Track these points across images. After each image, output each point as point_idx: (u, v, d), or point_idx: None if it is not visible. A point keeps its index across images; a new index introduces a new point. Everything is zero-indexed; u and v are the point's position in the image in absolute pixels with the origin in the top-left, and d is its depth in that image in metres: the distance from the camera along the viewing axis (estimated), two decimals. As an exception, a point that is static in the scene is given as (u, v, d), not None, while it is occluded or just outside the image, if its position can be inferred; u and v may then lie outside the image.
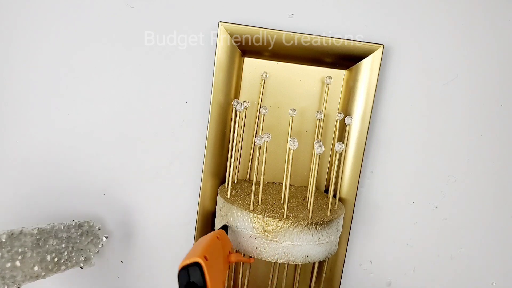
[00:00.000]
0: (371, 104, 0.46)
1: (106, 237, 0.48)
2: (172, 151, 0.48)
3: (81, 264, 0.45)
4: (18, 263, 0.38)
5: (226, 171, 0.47)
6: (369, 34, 0.46)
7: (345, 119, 0.46)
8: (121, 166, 0.48)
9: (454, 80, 0.48)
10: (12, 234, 0.37)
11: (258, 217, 0.40)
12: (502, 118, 0.50)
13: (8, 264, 0.37)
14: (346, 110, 0.47)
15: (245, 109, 0.46)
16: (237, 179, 0.48)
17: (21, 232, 0.38)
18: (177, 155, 0.49)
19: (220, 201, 0.44)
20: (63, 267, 0.43)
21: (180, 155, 0.49)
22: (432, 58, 0.48)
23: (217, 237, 0.35)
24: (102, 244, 0.47)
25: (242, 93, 0.47)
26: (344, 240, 0.50)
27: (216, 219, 0.45)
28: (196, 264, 0.29)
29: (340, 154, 0.44)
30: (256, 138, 0.40)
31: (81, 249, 0.45)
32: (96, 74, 0.46)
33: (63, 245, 0.43)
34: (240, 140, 0.47)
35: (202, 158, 0.47)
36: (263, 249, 0.40)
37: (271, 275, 0.49)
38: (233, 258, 0.37)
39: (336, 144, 0.43)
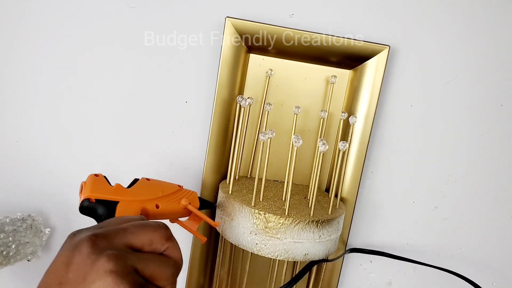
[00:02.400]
0: (375, 104, 0.47)
1: (49, 231, 0.48)
2: (172, 151, 0.48)
3: (29, 257, 0.46)
4: None
5: (228, 167, 0.47)
6: (369, 34, 0.47)
7: (349, 119, 0.46)
8: (121, 166, 0.48)
9: (454, 80, 0.49)
10: None
11: (259, 213, 0.40)
12: (502, 118, 0.50)
13: None
14: (350, 109, 0.48)
15: (249, 106, 0.46)
16: (238, 176, 0.48)
17: None
18: (177, 155, 0.48)
19: (221, 196, 0.44)
20: (12, 260, 0.43)
21: (180, 155, 0.48)
22: (433, 58, 0.48)
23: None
24: (44, 238, 0.48)
25: (246, 90, 0.47)
26: (343, 239, 0.50)
27: (217, 214, 0.45)
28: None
29: (343, 153, 0.44)
30: (260, 134, 0.40)
31: (28, 242, 0.45)
32: (96, 74, 0.46)
33: (10, 239, 0.43)
34: (243, 136, 0.47)
35: (202, 157, 0.47)
36: (264, 245, 0.40)
37: (269, 273, 0.49)
38: (184, 202, 0.40)
39: (340, 143, 0.43)
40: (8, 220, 0.44)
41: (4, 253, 0.42)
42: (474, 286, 0.48)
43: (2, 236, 0.42)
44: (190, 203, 0.40)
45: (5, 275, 0.51)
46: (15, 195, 0.49)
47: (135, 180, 0.39)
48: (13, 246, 0.43)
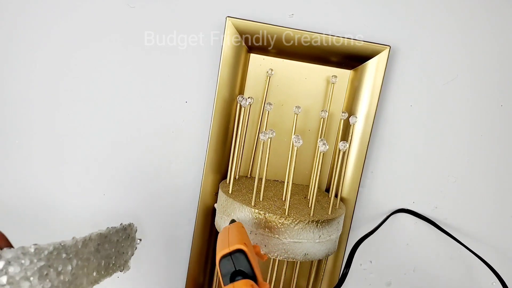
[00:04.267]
0: (376, 105, 0.47)
1: (140, 240, 0.46)
2: (172, 151, 0.48)
3: (122, 268, 0.43)
4: (85, 270, 0.35)
5: (228, 167, 0.47)
6: (369, 34, 0.47)
7: (350, 119, 0.46)
8: (121, 166, 0.48)
9: (454, 80, 0.49)
10: (84, 240, 0.35)
11: (259, 213, 0.40)
12: (502, 118, 0.50)
13: (80, 272, 0.35)
14: (350, 109, 0.48)
15: (249, 105, 0.46)
16: (238, 175, 0.48)
17: (90, 238, 0.36)
18: (177, 154, 0.48)
19: (221, 196, 0.44)
20: (110, 271, 0.41)
21: (180, 155, 0.48)
22: (432, 58, 0.48)
23: (243, 226, 0.34)
24: (136, 247, 0.46)
25: (246, 89, 0.47)
26: (343, 239, 0.50)
27: (217, 214, 0.45)
28: (240, 251, 0.28)
29: (344, 153, 0.44)
30: (260, 134, 0.40)
31: (123, 253, 0.43)
32: (96, 74, 0.46)
33: (113, 250, 0.41)
34: (243, 136, 0.47)
35: (202, 157, 0.47)
36: (264, 245, 0.40)
37: (269, 272, 0.49)
38: (258, 249, 0.35)
39: (340, 143, 0.43)
40: (115, 231, 0.41)
41: (107, 264, 0.40)
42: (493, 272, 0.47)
43: (107, 247, 0.39)
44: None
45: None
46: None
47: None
48: (113, 258, 0.41)
